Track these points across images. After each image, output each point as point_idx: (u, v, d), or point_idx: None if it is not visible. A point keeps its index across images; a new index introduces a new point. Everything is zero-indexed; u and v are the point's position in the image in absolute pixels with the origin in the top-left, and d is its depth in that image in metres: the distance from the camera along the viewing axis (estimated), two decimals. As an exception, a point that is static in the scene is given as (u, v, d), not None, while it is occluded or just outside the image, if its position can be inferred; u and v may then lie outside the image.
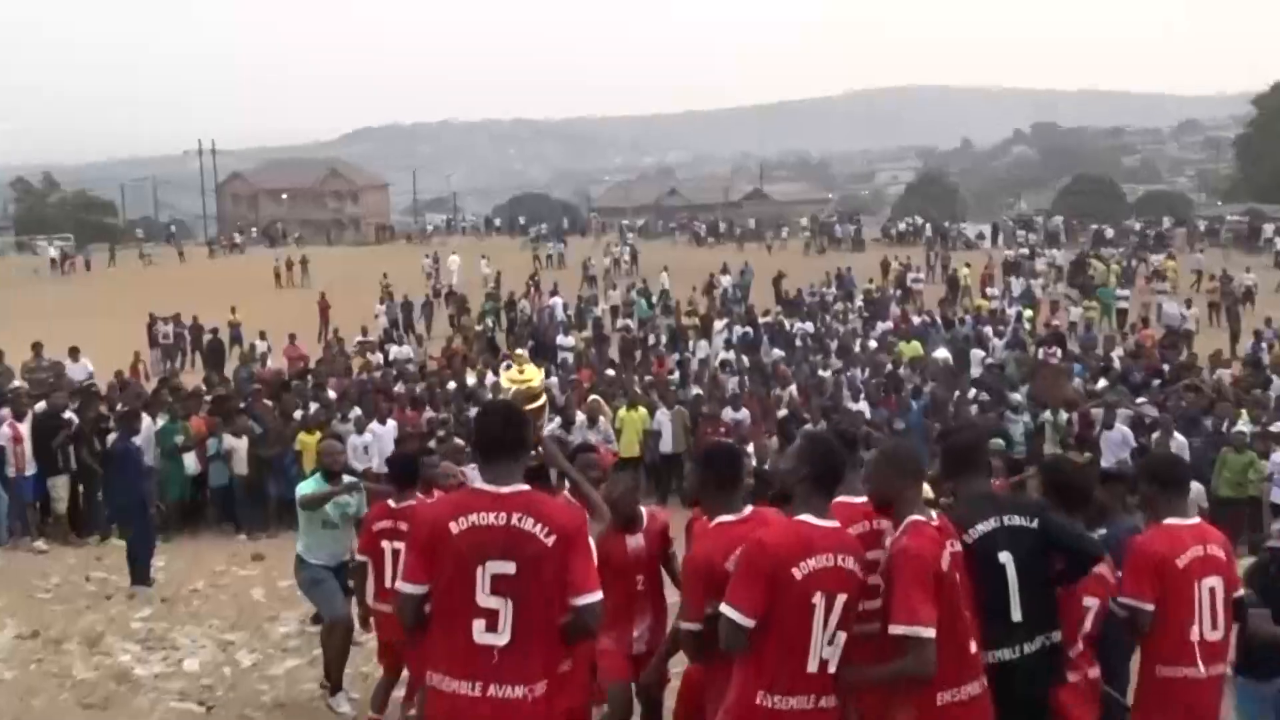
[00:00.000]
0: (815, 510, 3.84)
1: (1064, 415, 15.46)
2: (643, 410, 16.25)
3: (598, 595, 3.74)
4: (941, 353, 22.14)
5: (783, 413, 16.87)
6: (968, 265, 37.56)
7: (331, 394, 17.26)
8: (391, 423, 15.15)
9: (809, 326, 27.08)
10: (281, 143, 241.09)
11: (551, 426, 14.83)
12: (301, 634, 8.87)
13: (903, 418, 16.38)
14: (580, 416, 15.22)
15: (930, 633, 3.70)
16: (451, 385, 18.53)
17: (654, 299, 33.88)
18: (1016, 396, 16.51)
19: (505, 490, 3.77)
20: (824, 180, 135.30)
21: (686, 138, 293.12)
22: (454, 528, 3.72)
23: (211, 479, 14.39)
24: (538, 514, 3.74)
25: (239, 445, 14.25)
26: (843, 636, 3.77)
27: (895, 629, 3.71)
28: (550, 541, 3.70)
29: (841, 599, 3.75)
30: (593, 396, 16.52)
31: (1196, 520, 4.58)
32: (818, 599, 3.71)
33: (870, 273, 38.04)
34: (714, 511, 4.22)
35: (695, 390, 18.70)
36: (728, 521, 4.14)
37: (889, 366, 20.56)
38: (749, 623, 3.69)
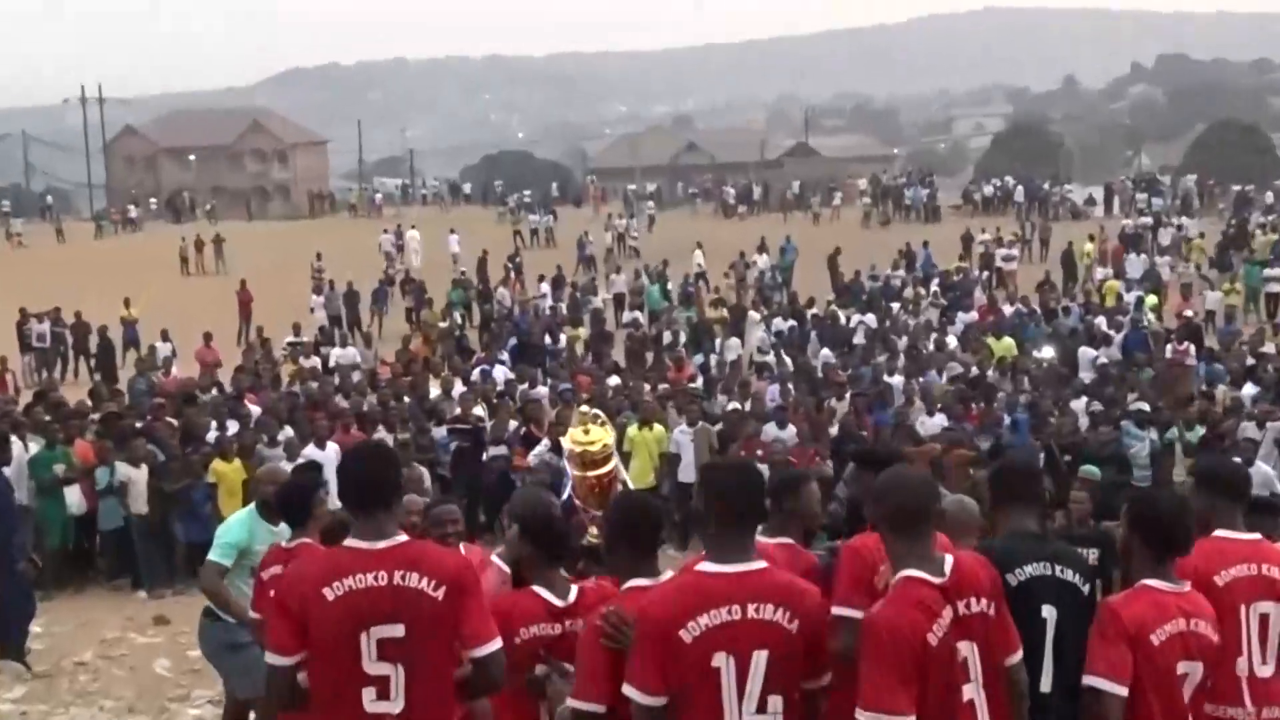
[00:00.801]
0: (724, 554, 4.02)
1: (1199, 430, 15.44)
2: (658, 429, 16.27)
3: (497, 644, 4.29)
4: (1046, 351, 22.11)
5: (834, 430, 16.85)
6: (1091, 239, 37.49)
7: (255, 410, 17.29)
8: (333, 447, 15.15)
9: (870, 319, 27.13)
10: (188, 88, 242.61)
11: (541, 449, 14.88)
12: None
13: (989, 435, 16.37)
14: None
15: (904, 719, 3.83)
16: (410, 398, 18.57)
17: (670, 286, 33.96)
18: (1140, 406, 16.50)
19: (382, 545, 4.24)
20: (888, 131, 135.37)
21: (708, 79, 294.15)
22: (329, 594, 4.18)
23: (101, 521, 14.41)
24: (422, 567, 4.23)
25: (136, 477, 14.28)
26: (779, 701, 3.94)
27: (860, 715, 3.86)
28: (440, 595, 4.19)
29: (761, 657, 3.92)
30: (584, 408, 16.52)
31: (1255, 536, 4.72)
32: (720, 661, 3.91)
33: (948, 250, 38.13)
34: (624, 574, 4.39)
35: (724, 402, 18.68)
36: (641, 587, 4.26)
37: (974, 370, 20.50)
38: (653, 701, 3.92)
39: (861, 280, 33.04)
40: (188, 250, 46.09)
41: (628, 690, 3.95)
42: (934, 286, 32.07)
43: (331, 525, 6.25)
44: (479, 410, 17.38)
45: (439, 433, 16.55)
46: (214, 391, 19.54)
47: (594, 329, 28.59)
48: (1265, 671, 4.63)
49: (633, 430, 16.11)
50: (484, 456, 16.26)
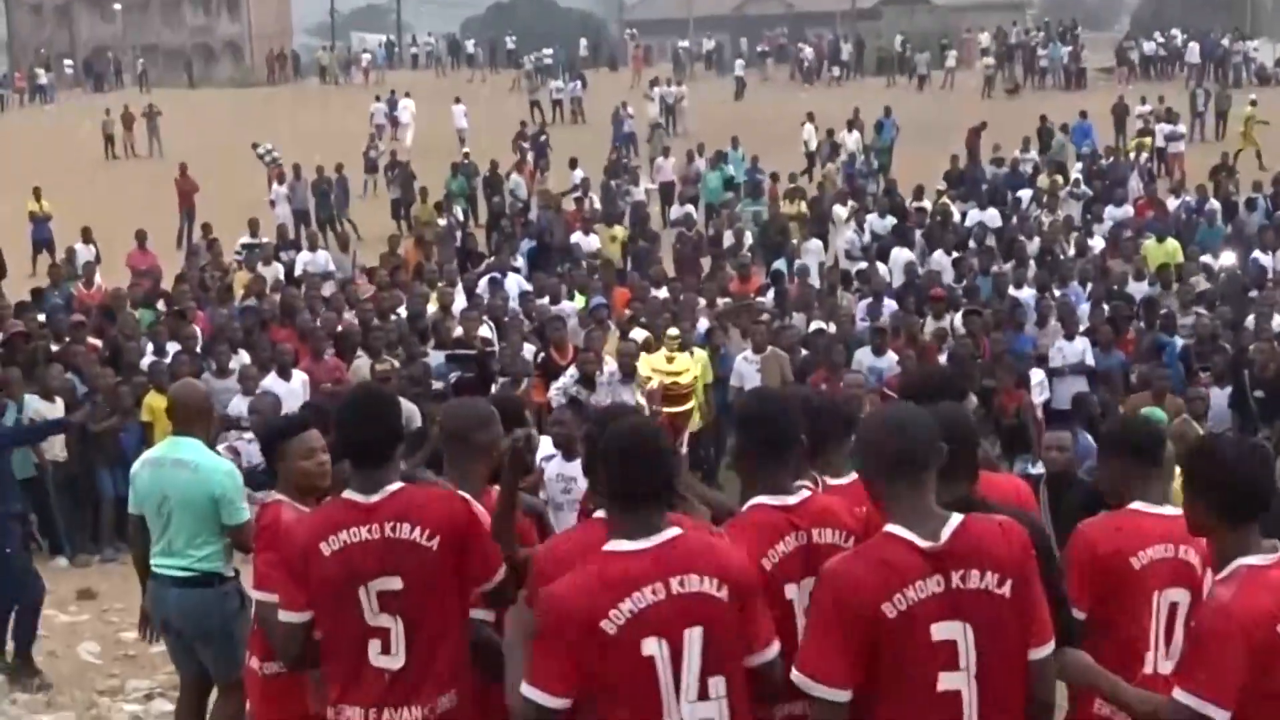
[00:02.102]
0: (630, 529, 4.37)
1: None
2: (700, 353, 16.27)
3: (502, 572, 5.14)
4: (1226, 257, 21.88)
5: (943, 358, 16.79)
6: None
7: (198, 330, 17.43)
8: (300, 376, 15.29)
9: (991, 216, 26.95)
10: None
11: (565, 381, 14.96)
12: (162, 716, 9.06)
13: (1148, 364, 16.30)
14: (609, 365, 15.29)
15: (835, 695, 4.11)
16: (399, 315, 18.64)
17: (732, 171, 33.80)
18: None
19: (375, 498, 5.08)
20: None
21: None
22: (325, 549, 5.06)
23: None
24: (413, 517, 5.05)
25: (51, 414, 14.40)
26: (722, 683, 4.31)
27: (793, 675, 4.19)
28: (434, 545, 5.01)
29: (694, 635, 4.27)
30: (636, 333, 16.55)
31: (1175, 511, 4.93)
32: (652, 648, 4.26)
33: (1096, 127, 37.74)
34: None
35: (802, 321, 18.65)
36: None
37: (1129, 280, 20.33)
38: (555, 703, 4.28)
39: (980, 166, 32.74)
40: (113, 126, 46.20)
41: (526, 691, 4.30)
42: (1074, 174, 31.79)
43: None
44: (485, 331, 17.43)
45: (435, 359, 16.63)
46: (150, 307, 19.70)
47: (635, 228, 28.53)
48: (1166, 669, 4.94)
49: (658, 357, 16.10)
50: (492, 389, 16.36)
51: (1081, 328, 17.55)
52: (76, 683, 9.95)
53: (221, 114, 52.14)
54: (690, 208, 30.83)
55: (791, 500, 4.83)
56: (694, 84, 54.75)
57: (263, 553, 6.16)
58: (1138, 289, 20.12)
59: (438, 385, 15.69)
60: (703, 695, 4.29)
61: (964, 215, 27.24)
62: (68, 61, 71.53)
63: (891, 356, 16.41)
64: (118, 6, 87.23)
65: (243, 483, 7.81)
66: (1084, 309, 18.75)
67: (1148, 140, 36.14)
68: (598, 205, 30.12)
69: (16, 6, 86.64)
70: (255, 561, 6.40)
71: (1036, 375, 16.36)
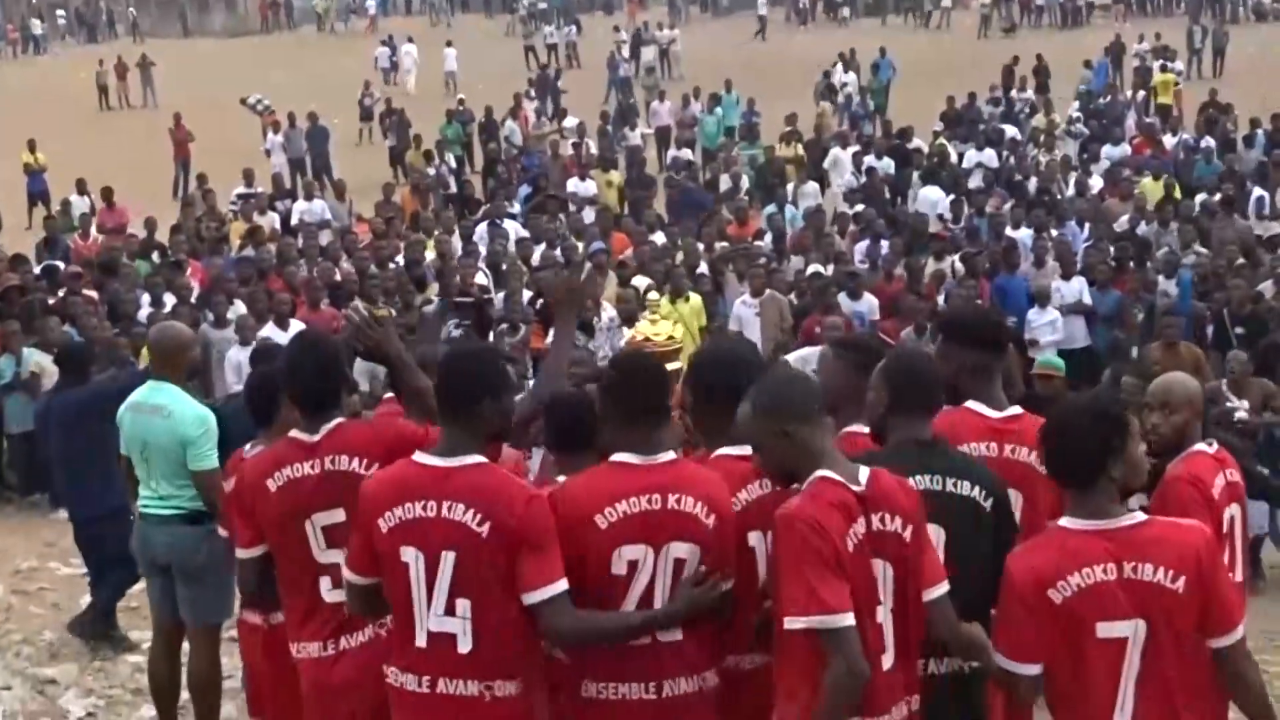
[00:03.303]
0: (443, 447, 4.78)
1: None
2: (694, 299, 16.29)
3: None
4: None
5: (942, 300, 16.78)
6: None
7: (194, 283, 17.38)
8: (297, 326, 15.24)
9: (988, 156, 26.88)
10: None
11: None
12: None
13: (1141, 305, 16.30)
14: (608, 312, 15.27)
15: (845, 619, 4.30)
16: (396, 264, 18.61)
17: (727, 115, 33.70)
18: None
19: (318, 436, 5.40)
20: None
21: None
22: (270, 485, 5.41)
23: (7, 422, 14.64)
24: (353, 448, 5.33)
25: (50, 366, 14.38)
26: (467, 605, 4.66)
27: (792, 624, 4.34)
28: (372, 472, 5.08)
29: (448, 557, 4.64)
30: (638, 280, 16.52)
31: (1014, 411, 5.31)
32: (409, 555, 4.69)
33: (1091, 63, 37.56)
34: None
35: (800, 264, 18.62)
36: (624, 463, 4.89)
37: (1124, 220, 20.29)
38: (360, 580, 4.88)
39: (977, 106, 32.63)
40: (106, 77, 46.15)
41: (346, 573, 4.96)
42: (1071, 112, 31.68)
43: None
44: (482, 279, 17.41)
45: (430, 308, 16.61)
46: (146, 258, 19.69)
47: (632, 173, 28.43)
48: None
49: (662, 304, 16.11)
50: (490, 336, 16.31)
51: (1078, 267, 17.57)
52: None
53: (215, 63, 51.90)
54: (688, 151, 30.74)
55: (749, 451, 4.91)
56: (688, 27, 54.48)
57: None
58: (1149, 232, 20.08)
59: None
60: (449, 611, 4.68)
61: (960, 155, 27.17)
62: (60, 12, 71.13)
63: (871, 300, 16.38)
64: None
65: (213, 426, 7.73)
66: (1082, 248, 18.76)
67: (1170, 78, 35.84)
68: (594, 150, 30.01)
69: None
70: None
71: (1049, 315, 16.37)
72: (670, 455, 4.81)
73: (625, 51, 43.88)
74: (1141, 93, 35.22)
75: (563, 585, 4.60)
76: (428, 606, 4.69)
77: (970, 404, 5.33)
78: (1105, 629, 4.31)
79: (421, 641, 4.71)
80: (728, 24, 59.43)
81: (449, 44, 46.10)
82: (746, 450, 4.86)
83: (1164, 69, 36.62)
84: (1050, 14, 54.20)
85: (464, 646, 4.67)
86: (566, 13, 57.87)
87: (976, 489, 4.90)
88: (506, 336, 15.34)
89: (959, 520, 4.85)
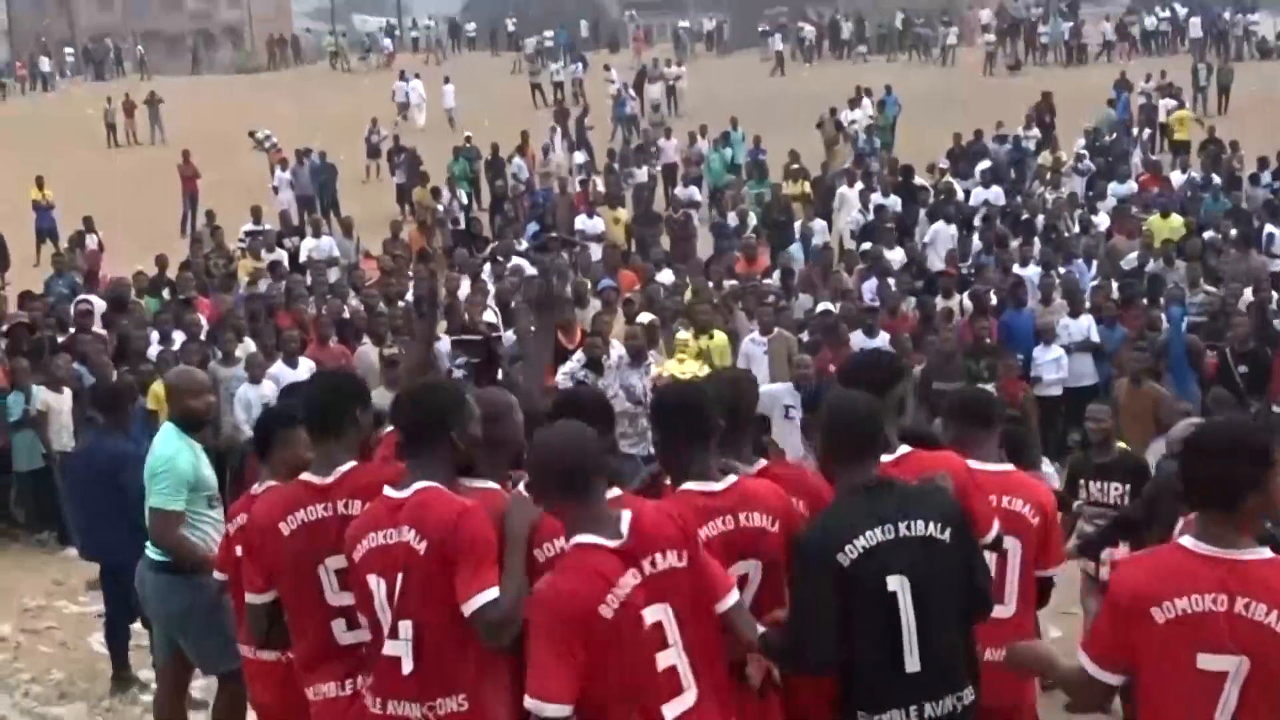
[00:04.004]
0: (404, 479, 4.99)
1: None
2: (719, 337, 16.26)
3: None
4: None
5: (949, 336, 16.79)
6: None
7: (203, 319, 17.40)
8: (306, 363, 15.27)
9: (995, 194, 26.90)
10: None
11: (572, 365, 14.93)
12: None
13: (1150, 344, 16.25)
14: (616, 349, 15.26)
15: (558, 710, 4.37)
16: (405, 300, 18.62)
17: (735, 151, 33.73)
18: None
19: (330, 479, 5.42)
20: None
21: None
22: (284, 529, 5.41)
23: (16, 460, 14.58)
24: (365, 495, 5.24)
25: (58, 404, 14.42)
26: (409, 626, 4.82)
27: (526, 701, 4.44)
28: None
29: (398, 579, 4.85)
30: (644, 316, 16.52)
31: (1007, 467, 5.74)
32: (373, 582, 4.92)
33: (1097, 101, 37.63)
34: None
35: (808, 302, 18.61)
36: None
37: (1132, 257, 20.28)
38: (261, 599, 5.53)
39: (984, 143, 32.69)
40: (114, 114, 46.15)
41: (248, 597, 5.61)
42: (1076, 148, 31.73)
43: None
44: (490, 316, 17.41)
45: (442, 346, 16.60)
46: (155, 294, 19.72)
47: (639, 210, 28.45)
48: (1004, 612, 5.71)
49: (687, 337, 16.09)
50: (499, 374, 16.30)
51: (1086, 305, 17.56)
52: (88, 673, 9.96)
53: (223, 100, 52.09)
54: (694, 189, 30.79)
55: (718, 486, 5.08)
56: (695, 64, 54.67)
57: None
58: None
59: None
60: (392, 635, 4.91)
61: (968, 192, 27.17)
62: (68, 49, 71.42)
63: (885, 336, 16.35)
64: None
65: (181, 469, 7.69)
66: (1089, 286, 18.77)
67: (1187, 114, 35.88)
68: (601, 188, 30.06)
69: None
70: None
71: (1053, 352, 16.35)
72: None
73: (616, 90, 43.83)
74: (1148, 130, 35.28)
75: (494, 593, 4.69)
76: (386, 631, 4.92)
77: (972, 464, 5.55)
78: (1206, 660, 4.22)
79: (388, 650, 4.94)
80: (734, 61, 59.66)
81: (446, 80, 46.44)
82: (711, 485, 5.06)
83: (1180, 105, 36.73)
84: (1055, 51, 54.33)
85: (406, 667, 4.83)
86: (571, 49, 58.12)
87: (931, 525, 4.91)
88: (516, 373, 15.30)
89: (921, 563, 4.87)
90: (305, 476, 5.51)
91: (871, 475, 5.00)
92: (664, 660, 4.51)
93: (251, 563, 5.62)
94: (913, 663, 4.85)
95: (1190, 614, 4.22)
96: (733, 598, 4.75)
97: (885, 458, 5.26)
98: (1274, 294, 17.98)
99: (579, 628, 4.37)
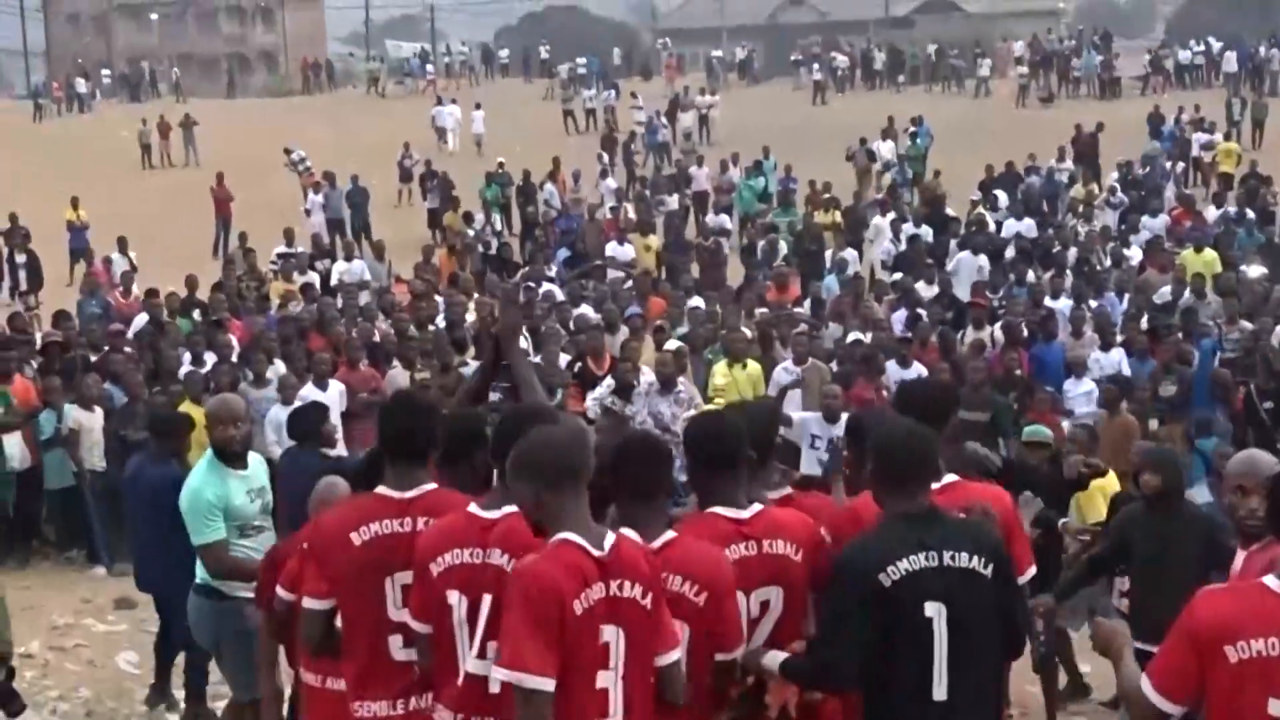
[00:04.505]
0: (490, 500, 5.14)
1: None
2: (753, 366, 16.23)
3: None
4: (1254, 270, 21.70)
5: (979, 366, 16.76)
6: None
7: (235, 341, 17.46)
8: (336, 385, 15.30)
9: (1027, 226, 26.86)
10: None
11: (601, 391, 14.93)
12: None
13: (1177, 378, 16.19)
14: (646, 376, 15.26)
15: (542, 684, 4.45)
16: (436, 325, 18.64)
17: (766, 180, 33.78)
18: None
19: (410, 494, 5.43)
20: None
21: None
22: (355, 539, 5.40)
23: (47, 478, 14.65)
24: (439, 511, 5.26)
25: (90, 423, 14.48)
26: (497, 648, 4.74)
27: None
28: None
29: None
30: (671, 343, 16.52)
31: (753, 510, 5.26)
32: (453, 598, 5.01)
33: (1130, 134, 37.60)
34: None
35: (837, 331, 18.59)
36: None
37: (1165, 291, 20.24)
38: (317, 605, 5.59)
39: (1016, 173, 32.66)
40: (149, 136, 46.43)
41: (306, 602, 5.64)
42: (1109, 181, 31.66)
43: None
44: (521, 342, 17.37)
45: (469, 370, 16.62)
46: (187, 316, 19.78)
47: (670, 238, 28.48)
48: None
49: (720, 368, 16.08)
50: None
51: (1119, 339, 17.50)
52: (115, 692, 9.98)
53: (257, 123, 52.32)
54: (725, 217, 30.81)
55: (744, 514, 5.17)
56: (728, 92, 54.80)
57: None
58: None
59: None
60: (482, 655, 4.92)
61: (999, 224, 27.13)
62: (105, 71, 71.90)
63: (919, 368, 16.29)
64: (154, 16, 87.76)
65: (208, 500, 7.73)
66: (1120, 319, 18.72)
67: (1234, 147, 35.90)
68: (632, 215, 30.09)
69: (54, 16, 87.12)
70: None
71: (1085, 386, 16.28)
72: (757, 506, 5.19)
73: (645, 118, 43.96)
74: (1181, 164, 35.20)
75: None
76: (470, 644, 4.97)
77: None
78: (1278, 706, 4.15)
79: (460, 681, 4.98)
80: (765, 90, 59.73)
81: (477, 106, 46.66)
82: (738, 512, 5.16)
83: (1227, 138, 36.68)
84: (1088, 85, 54.31)
85: (495, 687, 4.69)
86: (604, 76, 58.27)
87: (975, 558, 4.94)
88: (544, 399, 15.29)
89: (960, 593, 4.90)
90: (381, 489, 5.52)
91: (919, 503, 5.03)
92: (601, 680, 4.60)
93: (313, 567, 5.63)
94: (940, 691, 4.88)
95: (1266, 656, 4.13)
96: (674, 654, 4.78)
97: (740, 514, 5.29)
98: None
99: (556, 616, 4.46)
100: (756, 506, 5.22)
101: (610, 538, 4.65)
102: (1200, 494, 11.58)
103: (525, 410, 5.51)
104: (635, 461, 5.04)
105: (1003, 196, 29.44)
